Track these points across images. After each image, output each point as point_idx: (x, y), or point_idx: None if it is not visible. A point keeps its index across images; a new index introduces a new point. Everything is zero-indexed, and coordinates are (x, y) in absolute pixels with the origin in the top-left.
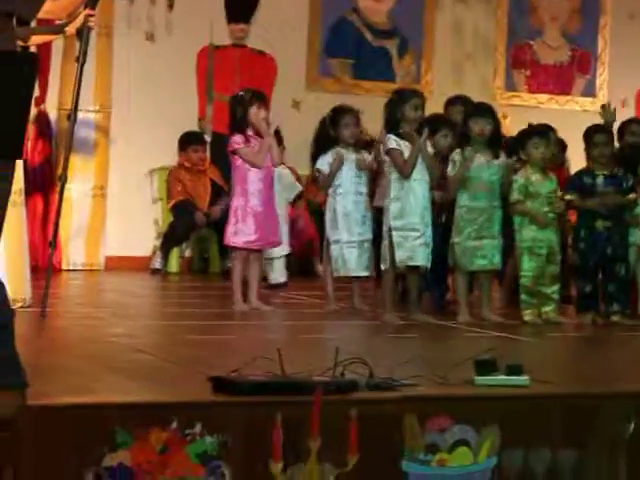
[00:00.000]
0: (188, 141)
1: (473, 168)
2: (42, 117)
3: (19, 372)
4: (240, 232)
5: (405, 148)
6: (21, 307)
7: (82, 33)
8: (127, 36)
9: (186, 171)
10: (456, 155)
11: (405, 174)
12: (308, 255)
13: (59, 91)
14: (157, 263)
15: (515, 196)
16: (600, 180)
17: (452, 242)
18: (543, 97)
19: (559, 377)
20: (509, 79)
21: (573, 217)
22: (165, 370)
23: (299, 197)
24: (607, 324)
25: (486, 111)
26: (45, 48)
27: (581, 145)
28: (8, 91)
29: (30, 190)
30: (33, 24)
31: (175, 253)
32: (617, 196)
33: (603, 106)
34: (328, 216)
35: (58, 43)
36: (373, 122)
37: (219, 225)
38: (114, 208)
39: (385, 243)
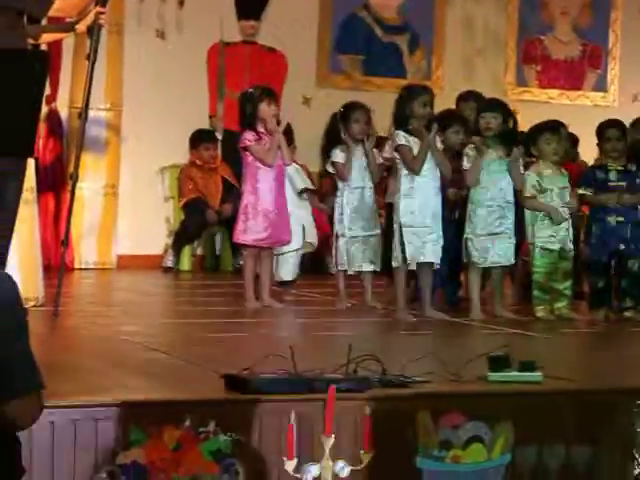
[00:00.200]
0: (199, 139)
1: (485, 163)
2: (53, 115)
3: (37, 373)
4: (249, 230)
5: (414, 144)
6: (34, 306)
7: (93, 31)
8: (138, 34)
9: (197, 169)
10: (469, 149)
11: (414, 170)
12: (321, 252)
13: (70, 89)
14: (169, 261)
15: (528, 191)
16: (613, 175)
17: (465, 238)
18: (554, 92)
19: (572, 373)
20: (520, 74)
21: (586, 211)
22: (178, 368)
23: (312, 192)
24: (620, 320)
25: (494, 106)
26: (56, 46)
27: (592, 140)
28: (19, 89)
29: (42, 188)
30: (44, 22)
31: (187, 251)
32: (631, 195)
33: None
34: (336, 211)
35: (69, 41)
36: (384, 119)
37: (230, 223)
38: (126, 206)
39: (395, 240)
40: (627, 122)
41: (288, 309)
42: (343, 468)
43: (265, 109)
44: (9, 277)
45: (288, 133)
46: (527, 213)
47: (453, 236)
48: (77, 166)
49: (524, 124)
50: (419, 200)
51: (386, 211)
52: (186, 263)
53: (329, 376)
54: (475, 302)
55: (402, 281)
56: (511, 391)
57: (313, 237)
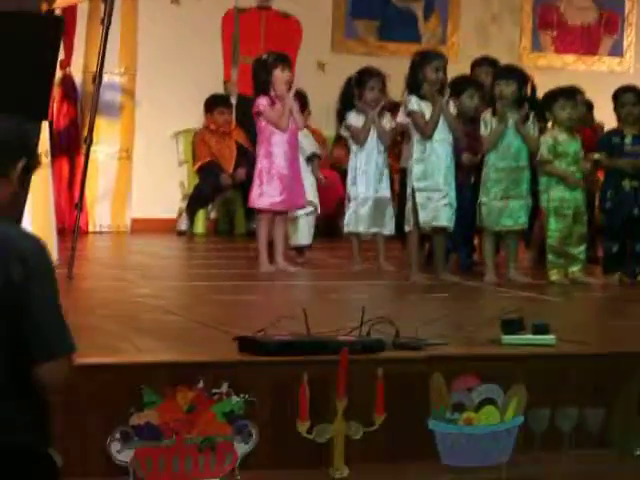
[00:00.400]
0: (214, 103)
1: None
2: (67, 80)
3: (69, 336)
4: (265, 194)
5: (426, 109)
6: None
7: None
8: None
9: (212, 133)
10: (487, 115)
11: (426, 135)
12: (335, 216)
13: (84, 54)
14: (183, 225)
15: (545, 156)
16: (629, 140)
17: (479, 202)
18: (570, 58)
19: (586, 336)
20: (535, 40)
21: (601, 176)
22: (191, 330)
23: (319, 158)
24: (634, 284)
25: (508, 73)
26: (70, 11)
27: (607, 106)
28: (34, 53)
29: (56, 153)
30: None
31: (201, 215)
32: None
33: None
34: (350, 174)
35: (83, 6)
36: (398, 84)
37: (245, 187)
38: (140, 170)
39: (409, 204)
40: None
41: (302, 272)
42: (356, 430)
43: (279, 75)
44: (41, 241)
45: (302, 98)
46: (542, 178)
47: (468, 201)
48: (91, 130)
49: (539, 90)
50: (432, 165)
51: (400, 176)
52: (200, 227)
53: (342, 338)
54: (489, 265)
55: (415, 245)
56: (524, 354)
57: (315, 198)
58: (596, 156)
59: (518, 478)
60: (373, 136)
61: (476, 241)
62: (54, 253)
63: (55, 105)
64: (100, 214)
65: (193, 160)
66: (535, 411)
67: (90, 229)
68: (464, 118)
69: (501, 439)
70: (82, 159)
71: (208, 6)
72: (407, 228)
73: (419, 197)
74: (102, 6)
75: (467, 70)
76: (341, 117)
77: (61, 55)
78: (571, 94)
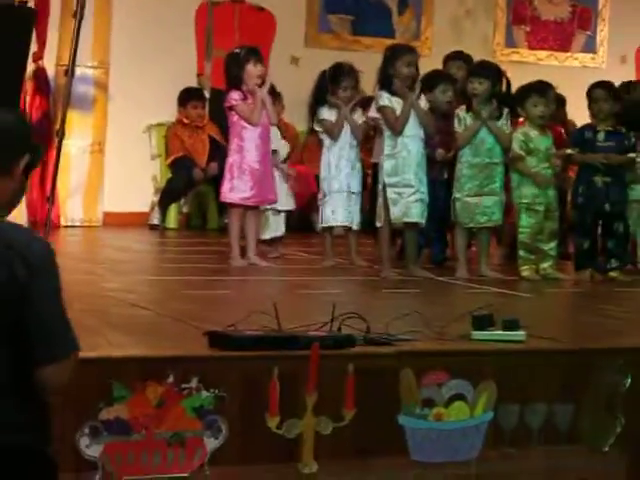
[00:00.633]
0: (187, 97)
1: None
2: (40, 73)
3: (73, 336)
4: (236, 188)
5: (397, 105)
6: None
7: None
8: None
9: (184, 127)
10: (461, 111)
11: (396, 131)
12: (307, 211)
13: (57, 47)
14: (155, 219)
15: (516, 152)
16: (601, 135)
17: (453, 198)
18: (543, 53)
19: (556, 333)
20: (509, 35)
21: (573, 173)
22: (162, 325)
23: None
24: (605, 280)
25: (480, 71)
26: (43, 3)
27: (580, 101)
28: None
29: None
30: None
31: (173, 209)
32: (618, 155)
33: None
34: (324, 169)
35: None
36: (372, 79)
37: (217, 181)
38: (112, 164)
39: (380, 200)
40: (616, 84)
41: (273, 267)
42: (326, 425)
43: (251, 69)
44: (45, 241)
45: (273, 93)
46: (513, 174)
47: (442, 197)
48: (63, 123)
49: (512, 85)
50: (403, 160)
51: (372, 171)
52: (172, 221)
53: (313, 334)
54: (461, 261)
55: (387, 240)
56: (494, 350)
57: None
58: (568, 151)
59: (487, 474)
60: (346, 131)
61: (449, 237)
62: None
63: (27, 98)
64: (72, 208)
65: (166, 154)
66: (504, 407)
67: (62, 223)
68: (437, 113)
69: (470, 435)
70: (54, 152)
71: None
72: (378, 224)
73: (390, 193)
74: None
75: (440, 65)
76: (313, 112)
77: (34, 48)
78: (544, 91)
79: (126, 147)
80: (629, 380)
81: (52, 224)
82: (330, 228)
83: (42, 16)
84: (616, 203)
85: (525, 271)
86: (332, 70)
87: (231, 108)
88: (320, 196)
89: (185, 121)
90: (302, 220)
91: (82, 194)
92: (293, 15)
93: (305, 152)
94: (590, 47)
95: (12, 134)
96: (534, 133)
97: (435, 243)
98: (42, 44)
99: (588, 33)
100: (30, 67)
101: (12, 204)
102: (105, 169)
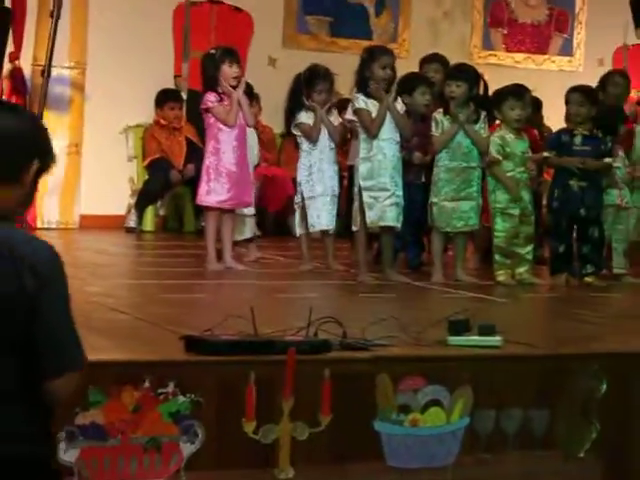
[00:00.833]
0: (164, 98)
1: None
2: (16, 73)
3: (82, 351)
4: (212, 191)
5: (373, 107)
6: None
7: None
8: None
9: (162, 129)
10: (438, 115)
11: (371, 134)
12: (284, 214)
13: (34, 47)
14: (132, 222)
15: (493, 156)
16: (578, 139)
17: (430, 202)
18: (520, 56)
19: (532, 338)
20: (486, 38)
21: (549, 177)
22: (138, 329)
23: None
24: (581, 285)
25: (457, 74)
26: (20, 3)
27: (557, 104)
28: None
29: None
30: None
31: (150, 211)
32: (594, 160)
33: None
34: (302, 173)
35: None
36: (350, 81)
37: (194, 183)
38: (89, 166)
39: (356, 204)
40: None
41: (250, 271)
42: (302, 430)
43: (226, 70)
44: (54, 249)
45: (251, 94)
46: (490, 178)
47: (418, 200)
48: None
49: (490, 88)
50: (378, 164)
51: (348, 173)
52: (149, 223)
53: (289, 338)
54: (437, 266)
55: (363, 244)
56: (470, 355)
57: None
58: (545, 154)
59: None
60: (324, 134)
61: (425, 241)
62: None
63: (4, 98)
64: (48, 210)
65: (143, 156)
66: (480, 412)
67: (38, 225)
68: (415, 116)
69: (447, 440)
70: None
71: None
72: (354, 227)
73: (365, 196)
74: None
75: (417, 67)
76: (289, 115)
77: (10, 47)
78: (520, 94)
79: (103, 148)
80: (604, 386)
81: (28, 226)
82: (308, 233)
83: (19, 16)
84: (591, 208)
85: (501, 276)
86: (307, 73)
87: (207, 110)
88: (297, 199)
89: (162, 122)
90: (279, 224)
91: (58, 196)
92: (271, 16)
93: (282, 155)
94: (567, 50)
95: (22, 139)
96: (510, 137)
97: (411, 247)
98: (19, 44)
99: (565, 36)
100: (7, 67)
101: (21, 210)
102: (82, 171)
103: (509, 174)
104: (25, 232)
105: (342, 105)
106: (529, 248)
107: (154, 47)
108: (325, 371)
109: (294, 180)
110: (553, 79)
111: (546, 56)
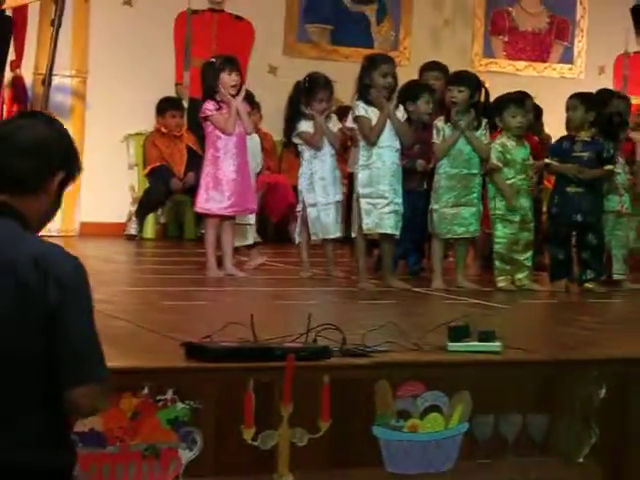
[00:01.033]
0: (165, 107)
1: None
2: (18, 82)
3: (103, 362)
4: (211, 199)
5: (373, 115)
6: None
7: None
8: (104, 0)
9: (162, 137)
10: (439, 122)
11: (370, 141)
12: (285, 221)
13: (35, 55)
14: (132, 229)
15: (494, 163)
16: (578, 145)
17: (430, 209)
18: (521, 64)
19: (532, 343)
20: (487, 45)
21: (550, 184)
22: (138, 336)
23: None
24: (580, 291)
25: (460, 79)
26: (21, 11)
27: (558, 112)
28: None
29: None
30: None
31: (151, 219)
32: (593, 168)
33: None
34: (304, 181)
35: (34, 6)
36: (351, 89)
37: (194, 191)
38: (90, 174)
39: (355, 210)
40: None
41: (250, 278)
42: (301, 436)
43: (225, 78)
44: (78, 261)
45: (252, 102)
46: (490, 185)
47: (420, 207)
48: None
49: (490, 96)
50: (377, 171)
51: (349, 180)
52: (150, 231)
53: (289, 345)
54: (437, 272)
55: (362, 251)
56: (470, 361)
57: None
58: (547, 160)
59: None
60: (325, 141)
61: (426, 247)
62: None
63: (5, 107)
64: None
65: (144, 164)
66: (479, 418)
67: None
68: (418, 124)
69: (446, 446)
70: None
71: (161, 8)
72: (353, 234)
73: (363, 203)
74: (53, 7)
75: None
76: (289, 123)
77: (12, 56)
78: (521, 101)
79: (104, 156)
80: (604, 391)
81: None
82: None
83: (20, 24)
84: (589, 214)
85: (501, 282)
86: (307, 82)
87: (206, 118)
88: (299, 207)
89: (163, 130)
90: (279, 231)
91: None
92: (272, 24)
93: (283, 163)
94: (568, 58)
95: (47, 149)
96: (511, 144)
97: (411, 254)
98: (20, 52)
99: (566, 44)
100: (8, 75)
101: (45, 220)
102: (82, 178)
103: (510, 181)
104: (50, 243)
105: (342, 112)
106: (528, 254)
107: (155, 55)
108: (324, 377)
109: (295, 188)
110: (554, 87)
111: (547, 64)
